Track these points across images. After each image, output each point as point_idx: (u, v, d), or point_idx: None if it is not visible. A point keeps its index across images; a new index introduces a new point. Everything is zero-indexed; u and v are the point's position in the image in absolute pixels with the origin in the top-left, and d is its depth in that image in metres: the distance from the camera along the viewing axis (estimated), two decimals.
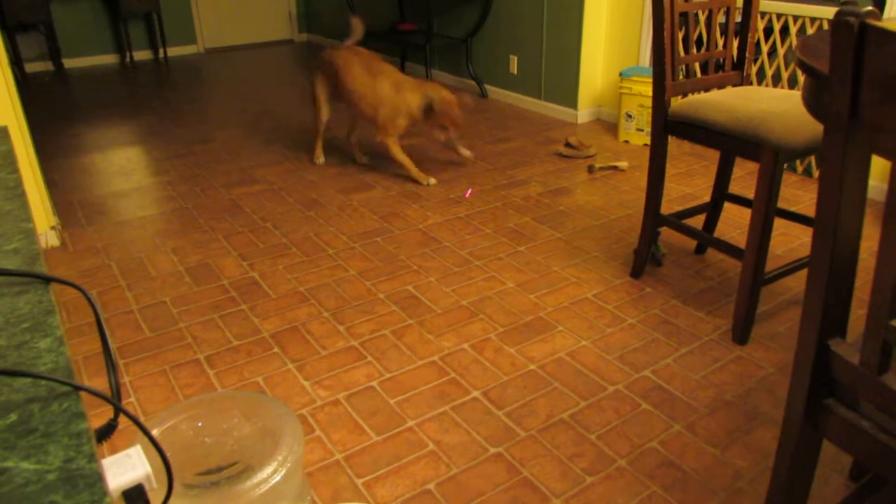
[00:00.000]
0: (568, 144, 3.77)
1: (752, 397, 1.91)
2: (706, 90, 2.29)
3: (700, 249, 2.70)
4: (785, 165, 2.34)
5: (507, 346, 2.15)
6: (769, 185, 1.92)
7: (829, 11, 3.16)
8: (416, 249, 2.76)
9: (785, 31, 3.34)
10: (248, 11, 6.80)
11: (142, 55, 6.38)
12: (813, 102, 1.16)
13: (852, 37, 0.83)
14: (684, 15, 2.20)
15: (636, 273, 2.52)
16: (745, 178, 3.38)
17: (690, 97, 2.19)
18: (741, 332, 2.13)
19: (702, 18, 3.66)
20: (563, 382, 1.98)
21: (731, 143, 2.03)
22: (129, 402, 1.95)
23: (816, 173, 3.39)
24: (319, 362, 2.09)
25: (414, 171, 3.42)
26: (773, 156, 1.89)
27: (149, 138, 4.19)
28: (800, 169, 3.46)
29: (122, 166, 3.73)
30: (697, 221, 2.84)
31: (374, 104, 3.31)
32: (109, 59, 6.26)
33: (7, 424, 0.48)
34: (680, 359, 2.08)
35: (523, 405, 1.89)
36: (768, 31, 3.42)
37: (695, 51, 2.26)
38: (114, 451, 1.73)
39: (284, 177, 3.54)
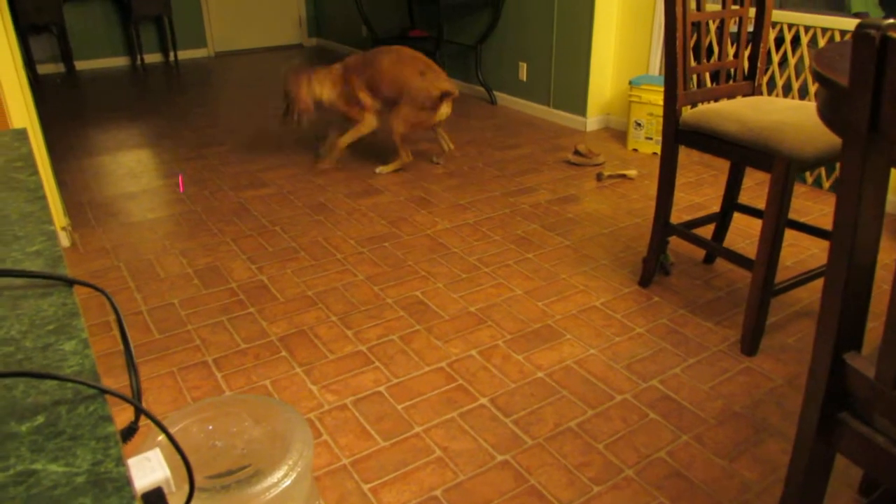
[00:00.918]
0: (577, 152, 3.77)
1: (761, 409, 1.90)
2: (716, 100, 2.29)
3: (709, 259, 2.70)
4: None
5: (514, 354, 2.15)
6: (780, 196, 1.92)
7: (840, 22, 3.16)
8: (424, 255, 2.76)
9: (796, 41, 3.34)
10: (258, 16, 6.83)
11: (152, 58, 6.41)
12: (829, 114, 1.16)
13: (874, 50, 0.83)
14: (696, 24, 2.20)
15: (644, 282, 2.52)
16: (754, 188, 3.38)
17: (701, 107, 2.19)
18: (750, 344, 2.12)
19: (713, 28, 3.66)
20: (570, 391, 1.98)
21: (743, 153, 2.02)
22: None
23: (826, 184, 3.39)
24: (327, 366, 2.09)
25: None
26: (784, 166, 1.89)
27: (158, 140, 4.21)
28: (809, 180, 3.45)
29: (132, 168, 3.74)
30: (706, 231, 2.83)
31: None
32: (120, 61, 6.30)
33: (35, 427, 0.48)
34: (688, 369, 2.07)
35: (531, 413, 1.89)
36: (779, 41, 3.42)
37: (706, 60, 2.26)
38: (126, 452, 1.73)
39: (293, 180, 3.55)
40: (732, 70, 2.31)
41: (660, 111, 3.71)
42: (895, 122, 0.86)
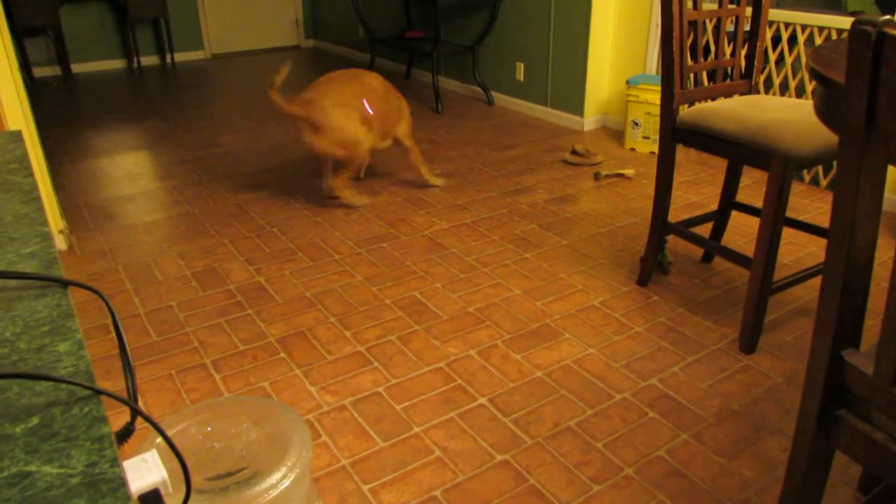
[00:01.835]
0: (574, 152, 3.77)
1: (760, 407, 1.90)
2: (714, 99, 2.29)
3: (707, 258, 2.70)
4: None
5: (513, 353, 2.14)
6: (778, 195, 1.92)
7: (837, 20, 3.16)
8: (422, 255, 2.76)
9: (793, 39, 3.34)
10: (254, 17, 6.82)
11: (149, 60, 6.41)
12: (826, 112, 1.16)
13: (870, 46, 0.83)
14: (692, 23, 2.20)
15: (643, 281, 2.52)
16: (752, 186, 3.38)
17: (698, 105, 2.19)
18: (748, 342, 2.12)
19: (710, 27, 3.67)
20: (569, 390, 1.98)
21: (740, 151, 2.02)
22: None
23: (824, 182, 3.39)
24: (326, 367, 2.09)
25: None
26: (782, 165, 1.89)
27: (156, 143, 4.20)
28: (807, 178, 3.45)
29: (129, 171, 3.74)
30: (704, 230, 2.83)
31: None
32: (117, 63, 6.29)
33: (29, 428, 0.48)
34: (687, 367, 2.07)
35: (530, 412, 1.89)
36: (776, 40, 3.42)
37: (703, 59, 2.26)
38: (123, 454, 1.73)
39: (290, 182, 3.55)
40: (729, 69, 2.31)
41: (657, 110, 3.71)
42: (892, 119, 0.86)
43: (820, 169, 3.39)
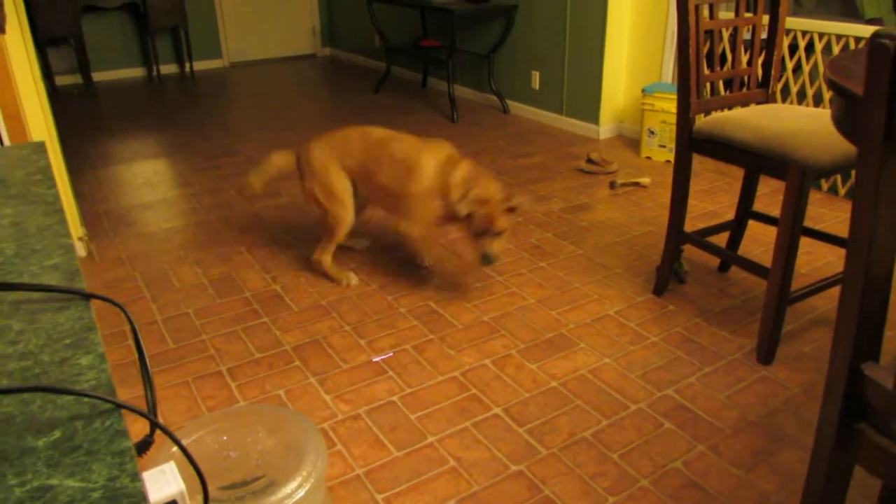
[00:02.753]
0: (590, 160, 3.77)
1: (778, 418, 1.88)
2: (730, 108, 2.28)
3: (724, 267, 2.68)
4: None
5: (528, 363, 2.14)
6: (796, 204, 1.90)
7: (854, 29, 3.14)
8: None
9: (810, 48, 3.32)
10: (272, 26, 6.89)
11: (168, 69, 6.48)
12: (844, 123, 1.15)
13: (888, 60, 0.83)
14: (709, 32, 2.19)
15: (659, 290, 2.51)
16: (769, 195, 3.35)
17: (715, 115, 2.18)
18: (766, 352, 2.10)
19: (726, 35, 3.65)
20: (584, 400, 1.97)
21: (758, 161, 2.01)
22: None
23: (842, 191, 3.35)
24: (340, 376, 2.09)
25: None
26: (800, 174, 1.87)
27: (174, 151, 4.24)
28: (825, 186, 3.42)
29: (147, 178, 3.78)
30: (721, 239, 2.81)
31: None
32: (137, 72, 6.37)
33: (51, 441, 0.49)
34: (703, 378, 2.06)
35: (545, 422, 1.88)
36: (793, 49, 3.40)
37: (719, 68, 2.25)
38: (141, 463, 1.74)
39: None
40: (746, 78, 2.30)
41: (673, 119, 3.69)
42: None
43: (838, 177, 3.35)
